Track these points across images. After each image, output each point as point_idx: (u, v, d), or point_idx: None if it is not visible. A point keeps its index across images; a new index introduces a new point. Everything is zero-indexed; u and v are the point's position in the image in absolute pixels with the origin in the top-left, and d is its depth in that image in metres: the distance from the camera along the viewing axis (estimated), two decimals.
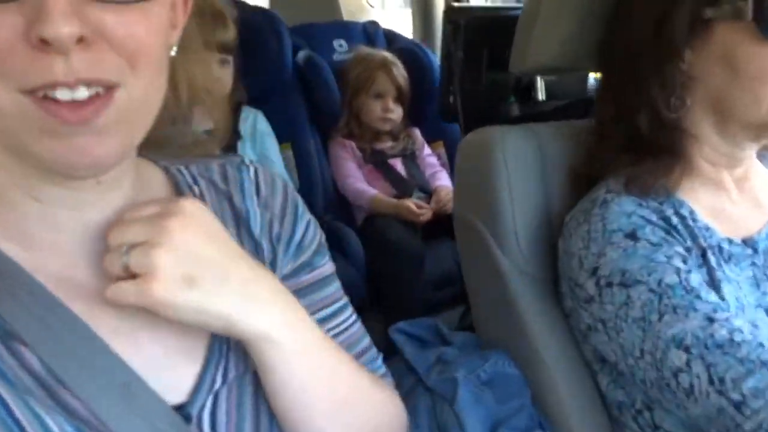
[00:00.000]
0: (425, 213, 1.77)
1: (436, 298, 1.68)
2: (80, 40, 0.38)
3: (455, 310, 1.56)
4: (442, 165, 2.05)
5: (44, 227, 0.47)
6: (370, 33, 2.24)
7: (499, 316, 0.93)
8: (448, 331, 1.00)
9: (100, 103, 0.41)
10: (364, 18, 2.51)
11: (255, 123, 1.72)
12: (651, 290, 0.71)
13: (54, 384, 0.44)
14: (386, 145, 1.97)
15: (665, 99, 0.77)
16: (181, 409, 0.48)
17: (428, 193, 1.90)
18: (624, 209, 0.77)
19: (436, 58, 2.11)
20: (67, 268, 0.48)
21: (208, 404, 0.50)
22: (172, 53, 0.50)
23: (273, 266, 0.60)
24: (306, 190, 1.83)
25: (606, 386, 0.83)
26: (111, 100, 0.42)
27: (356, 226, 1.86)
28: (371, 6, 2.76)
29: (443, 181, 1.95)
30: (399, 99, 1.96)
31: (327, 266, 0.65)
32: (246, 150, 1.70)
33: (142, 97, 0.44)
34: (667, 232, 0.75)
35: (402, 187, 1.88)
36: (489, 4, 2.23)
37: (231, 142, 1.67)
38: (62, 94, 0.39)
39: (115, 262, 0.46)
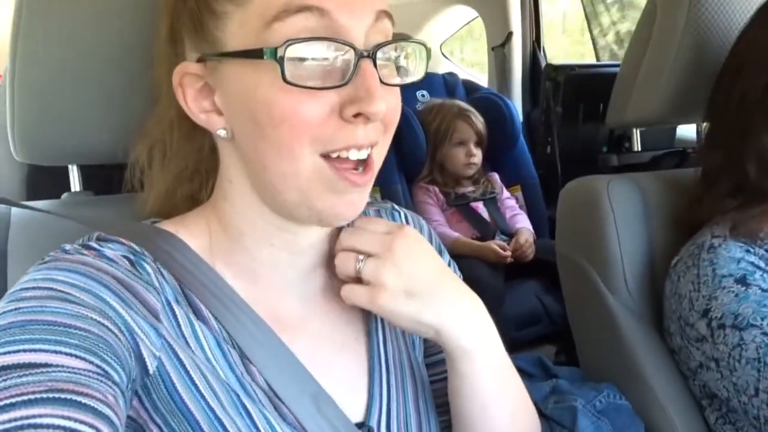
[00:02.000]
0: (507, 253, 1.84)
1: (518, 337, 1.73)
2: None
3: (542, 349, 1.61)
4: (520, 208, 2.12)
5: (268, 267, 0.58)
6: (450, 84, 2.37)
7: (608, 352, 0.99)
8: (552, 365, 1.07)
9: (369, 170, 0.53)
10: (440, 69, 2.65)
11: None
12: (765, 333, 0.75)
13: (274, 397, 0.53)
14: (468, 189, 2.06)
15: None
16: (361, 427, 0.57)
17: (509, 235, 1.97)
18: (733, 255, 0.82)
19: (513, 106, 2.21)
20: (279, 301, 0.59)
21: (383, 420, 0.59)
22: None
23: None
24: None
25: (714, 422, 0.87)
26: (372, 166, 0.53)
27: None
28: (447, 58, 2.90)
29: (524, 223, 2.01)
30: (479, 143, 2.06)
31: None
32: None
33: (382, 155, 0.55)
34: None
35: (485, 229, 1.95)
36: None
37: None
38: (352, 154, 0.51)
39: (350, 265, 0.56)
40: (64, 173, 0.83)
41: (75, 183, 0.83)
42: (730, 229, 0.85)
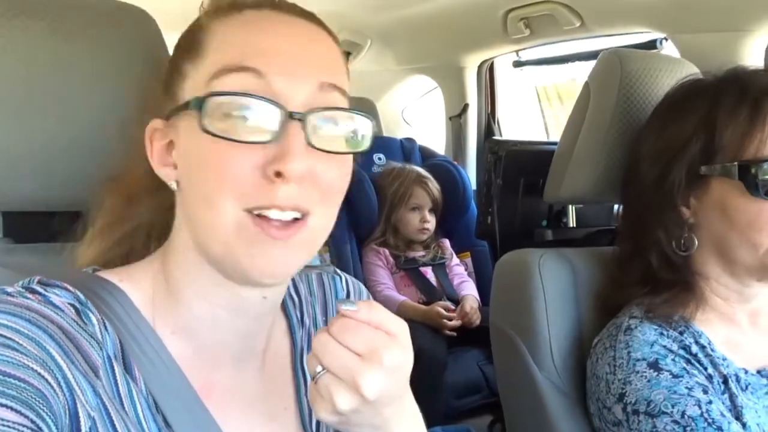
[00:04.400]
0: (453, 323, 1.84)
1: (458, 406, 1.71)
2: (302, 176, 0.50)
3: (480, 419, 1.59)
4: (469, 274, 2.14)
5: (207, 325, 0.57)
6: (407, 149, 2.42)
7: (533, 426, 0.99)
8: None
9: (298, 226, 0.52)
10: (400, 134, 2.72)
11: None
12: (675, 421, 0.76)
13: None
14: (418, 253, 2.08)
15: (670, 241, 0.86)
16: None
17: (455, 301, 1.98)
18: (647, 338, 0.84)
19: (467, 175, 2.27)
20: (215, 363, 0.57)
21: None
22: None
23: None
24: None
25: None
26: (305, 225, 0.52)
27: None
28: (408, 123, 2.98)
29: (470, 290, 2.03)
30: (433, 210, 2.10)
31: None
32: None
33: (324, 225, 0.55)
34: (688, 362, 0.81)
35: (431, 294, 1.96)
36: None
37: None
38: (273, 214, 0.50)
39: (311, 368, 0.49)
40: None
41: None
42: (645, 311, 0.87)
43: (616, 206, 1.45)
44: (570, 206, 1.25)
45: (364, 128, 0.55)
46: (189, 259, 0.56)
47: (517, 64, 2.24)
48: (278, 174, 0.49)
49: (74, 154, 0.74)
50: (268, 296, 0.58)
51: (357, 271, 1.98)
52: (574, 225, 1.25)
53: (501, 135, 2.47)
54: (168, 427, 0.52)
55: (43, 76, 0.72)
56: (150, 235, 0.62)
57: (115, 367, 0.51)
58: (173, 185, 0.56)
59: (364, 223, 2.04)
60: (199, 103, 0.50)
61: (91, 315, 0.52)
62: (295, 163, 0.49)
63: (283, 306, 0.65)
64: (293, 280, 0.68)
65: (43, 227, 0.82)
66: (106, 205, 0.62)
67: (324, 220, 0.54)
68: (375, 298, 0.74)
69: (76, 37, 0.71)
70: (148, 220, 0.61)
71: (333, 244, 1.95)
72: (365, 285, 0.74)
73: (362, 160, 2.25)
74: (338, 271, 0.73)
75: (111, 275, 0.57)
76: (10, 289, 0.50)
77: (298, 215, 0.52)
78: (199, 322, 0.57)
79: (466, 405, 1.70)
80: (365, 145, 0.55)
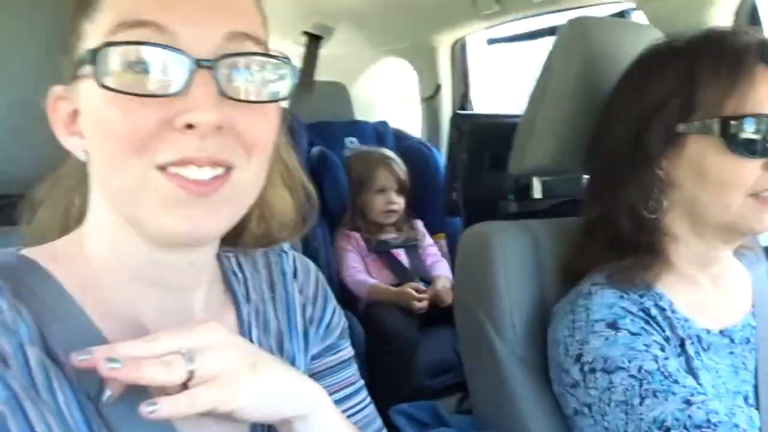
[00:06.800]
0: (423, 304, 1.83)
1: (431, 385, 1.71)
2: (217, 128, 0.47)
3: (453, 397, 1.58)
4: (443, 255, 2.13)
5: (135, 307, 0.54)
6: (380, 132, 2.40)
7: (495, 397, 0.97)
8: (447, 413, 1.04)
9: (220, 181, 0.49)
10: (374, 117, 2.69)
11: None
12: (632, 376, 0.76)
13: None
14: (390, 236, 2.06)
15: (644, 201, 0.86)
16: None
17: (429, 282, 1.96)
18: (606, 300, 0.83)
19: (441, 157, 2.25)
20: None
21: None
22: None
23: (306, 344, 0.65)
24: None
25: None
26: (228, 180, 0.49)
27: (359, 313, 1.91)
28: (382, 108, 2.94)
29: (442, 270, 2.02)
30: (401, 191, 2.07)
31: (347, 350, 0.71)
32: None
33: (250, 181, 0.52)
34: (647, 323, 0.81)
35: (404, 276, 1.95)
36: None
37: None
38: (190, 172, 0.47)
39: (178, 369, 0.46)
40: None
41: None
42: (606, 277, 0.86)
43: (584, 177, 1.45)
44: (535, 178, 1.23)
45: (283, 75, 0.52)
46: (109, 234, 0.53)
47: (492, 41, 2.22)
48: (189, 126, 0.46)
49: (10, 135, 0.70)
50: (195, 261, 0.55)
51: (329, 256, 1.96)
52: (540, 197, 1.23)
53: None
54: (102, 415, 0.48)
55: None
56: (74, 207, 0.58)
57: (30, 354, 0.48)
58: (81, 156, 0.53)
59: (334, 207, 2.01)
60: (94, 56, 0.46)
61: (1, 300, 0.48)
62: (206, 113, 0.46)
63: (227, 283, 0.63)
64: (236, 258, 0.65)
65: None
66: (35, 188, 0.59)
67: (250, 174, 0.51)
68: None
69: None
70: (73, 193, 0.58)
71: None
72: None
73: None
74: (284, 248, 0.69)
75: (39, 255, 0.54)
76: None
77: (219, 172, 0.49)
78: (129, 304, 0.54)
79: (438, 384, 1.70)
80: (286, 92, 0.52)
